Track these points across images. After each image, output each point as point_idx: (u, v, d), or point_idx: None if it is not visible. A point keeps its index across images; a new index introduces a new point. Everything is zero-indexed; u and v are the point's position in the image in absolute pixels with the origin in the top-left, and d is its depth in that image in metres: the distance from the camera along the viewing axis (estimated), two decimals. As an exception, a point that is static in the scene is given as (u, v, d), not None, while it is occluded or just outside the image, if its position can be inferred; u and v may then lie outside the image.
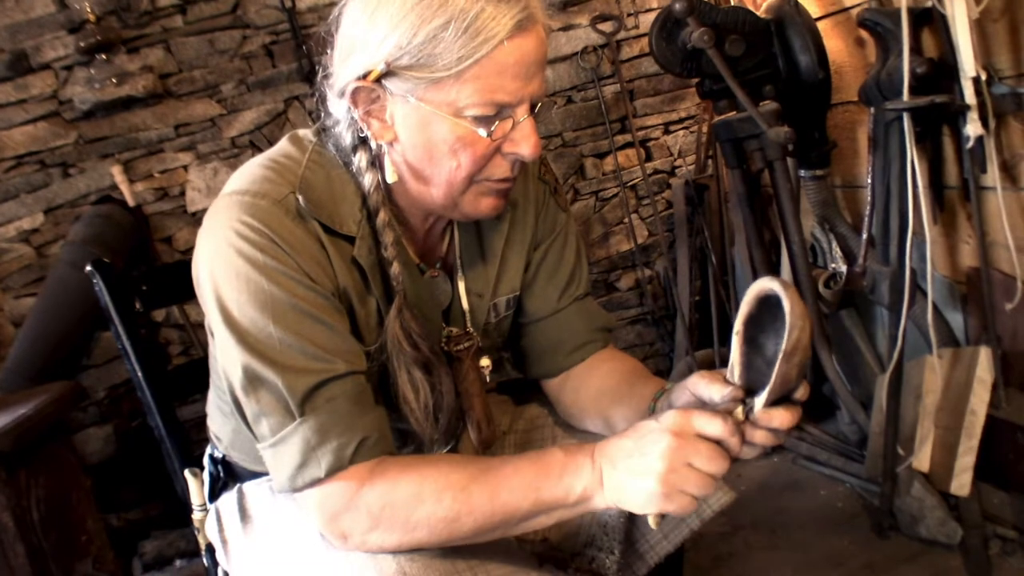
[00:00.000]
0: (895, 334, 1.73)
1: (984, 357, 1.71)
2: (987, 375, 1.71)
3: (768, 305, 0.82)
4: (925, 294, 1.75)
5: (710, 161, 2.77)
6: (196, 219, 2.63)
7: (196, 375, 1.22)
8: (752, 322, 0.84)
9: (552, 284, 1.15)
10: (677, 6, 1.76)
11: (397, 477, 0.88)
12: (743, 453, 0.84)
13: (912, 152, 1.60)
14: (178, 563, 2.43)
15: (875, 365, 2.19)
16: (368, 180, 0.95)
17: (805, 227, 2.09)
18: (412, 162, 0.93)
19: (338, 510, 0.88)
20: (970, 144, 1.54)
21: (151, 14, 2.49)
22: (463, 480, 0.87)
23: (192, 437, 1.85)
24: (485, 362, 1.10)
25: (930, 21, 1.62)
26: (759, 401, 0.82)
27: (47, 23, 2.44)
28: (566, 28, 2.75)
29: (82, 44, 2.40)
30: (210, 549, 1.18)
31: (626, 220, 2.90)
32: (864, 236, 1.92)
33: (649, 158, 2.93)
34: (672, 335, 2.93)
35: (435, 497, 0.86)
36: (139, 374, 1.22)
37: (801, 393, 0.84)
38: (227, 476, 1.17)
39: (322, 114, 0.99)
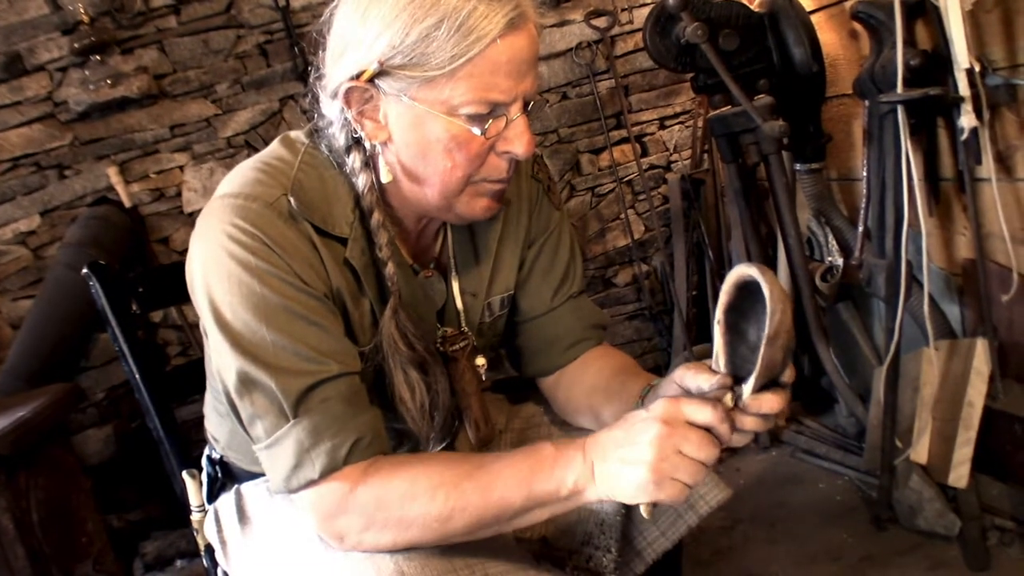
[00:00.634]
0: (892, 327, 1.73)
1: (981, 348, 1.71)
2: (984, 366, 1.71)
3: (747, 291, 0.82)
4: (921, 286, 1.75)
5: (706, 156, 2.76)
6: (192, 219, 2.62)
7: (194, 376, 1.22)
8: (732, 310, 0.84)
9: (546, 283, 1.15)
10: (671, 1, 1.76)
11: (390, 476, 0.88)
12: (733, 440, 0.83)
13: (907, 144, 1.60)
14: (179, 563, 2.44)
15: (872, 358, 2.19)
16: (362, 181, 0.95)
17: (801, 221, 2.09)
18: (406, 162, 0.93)
19: (333, 510, 0.88)
20: (965, 136, 1.54)
21: (145, 15, 2.48)
22: (456, 477, 0.87)
23: (191, 437, 1.87)
24: (480, 361, 1.11)
25: (923, 13, 1.62)
26: (747, 387, 0.82)
27: (41, 25, 2.43)
28: (560, 24, 2.74)
29: (76, 45, 2.39)
30: (209, 550, 1.18)
31: (622, 216, 2.90)
32: (860, 229, 1.93)
33: (645, 153, 2.92)
34: (670, 330, 2.94)
35: (428, 495, 0.86)
36: (136, 376, 1.22)
37: (787, 376, 0.84)
38: (225, 477, 1.18)
39: (315, 115, 0.99)
